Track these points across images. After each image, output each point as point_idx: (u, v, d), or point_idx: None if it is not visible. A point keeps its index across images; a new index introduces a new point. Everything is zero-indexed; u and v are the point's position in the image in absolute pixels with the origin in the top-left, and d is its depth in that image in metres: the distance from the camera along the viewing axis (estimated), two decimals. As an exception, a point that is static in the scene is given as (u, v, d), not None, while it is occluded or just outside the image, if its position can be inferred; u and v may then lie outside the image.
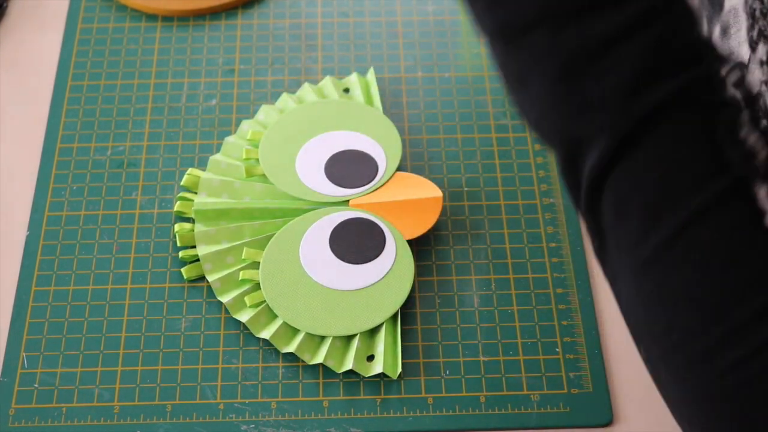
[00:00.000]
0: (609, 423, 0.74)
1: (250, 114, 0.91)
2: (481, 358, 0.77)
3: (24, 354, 0.77)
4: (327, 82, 0.92)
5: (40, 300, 0.80)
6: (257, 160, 0.86)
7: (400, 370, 0.75)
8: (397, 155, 0.86)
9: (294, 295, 0.78)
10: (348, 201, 0.83)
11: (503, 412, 0.74)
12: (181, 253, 0.82)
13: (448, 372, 0.76)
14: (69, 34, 0.96)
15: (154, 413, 0.74)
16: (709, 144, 0.56)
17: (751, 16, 0.54)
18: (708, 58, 0.58)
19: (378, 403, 0.75)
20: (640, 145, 0.56)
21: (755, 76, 0.56)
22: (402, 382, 0.76)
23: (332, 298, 0.78)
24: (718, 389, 0.56)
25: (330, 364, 0.75)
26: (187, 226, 0.83)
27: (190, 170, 0.86)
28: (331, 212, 0.82)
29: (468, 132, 0.89)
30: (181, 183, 0.86)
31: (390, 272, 0.79)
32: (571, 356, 0.77)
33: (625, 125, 0.56)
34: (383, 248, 0.80)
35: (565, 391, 0.75)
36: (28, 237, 0.83)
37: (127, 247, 0.83)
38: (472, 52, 0.94)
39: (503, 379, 0.76)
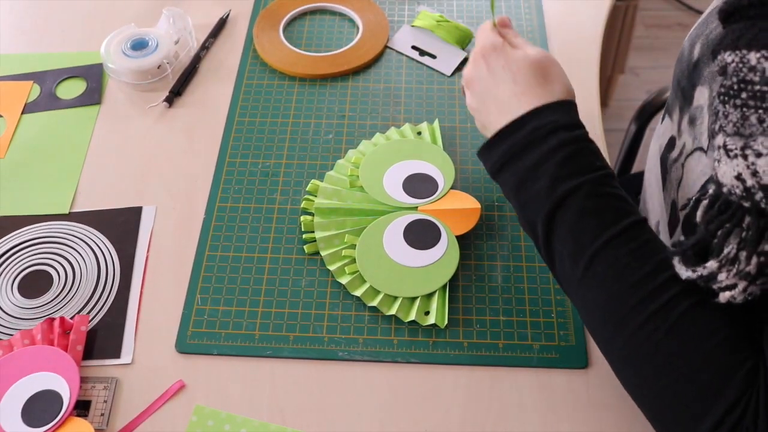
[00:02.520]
0: (585, 366, 0.73)
1: (354, 145, 0.91)
2: (501, 318, 0.76)
3: (198, 296, 0.78)
4: (406, 127, 0.92)
5: (210, 261, 0.81)
6: (358, 176, 0.86)
7: (446, 322, 0.76)
8: (451, 178, 0.85)
9: (378, 267, 0.79)
10: (417, 207, 0.83)
11: (514, 354, 0.74)
12: (304, 236, 0.82)
13: (478, 325, 0.76)
14: (237, 86, 0.98)
15: (281, 341, 0.75)
16: (598, 212, 0.63)
17: (714, 114, 0.56)
18: (602, 167, 0.65)
19: (430, 344, 0.75)
20: (555, 219, 0.64)
21: (712, 159, 0.58)
22: (447, 330, 0.76)
23: (403, 271, 0.78)
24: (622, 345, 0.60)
25: (399, 315, 0.76)
26: (309, 218, 0.83)
27: (312, 181, 0.87)
28: (405, 214, 0.83)
29: (499, 165, 0.89)
30: (306, 189, 0.86)
31: (443, 256, 0.79)
32: (561, 320, 0.76)
33: (547, 209, 0.64)
34: (439, 240, 0.80)
35: (556, 343, 0.75)
36: (204, 219, 0.85)
37: (268, 230, 0.83)
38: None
39: (515, 332, 0.75)
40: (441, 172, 0.86)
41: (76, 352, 0.73)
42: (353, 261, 0.79)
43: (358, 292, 0.77)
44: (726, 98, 0.54)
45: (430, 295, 0.77)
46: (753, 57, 0.51)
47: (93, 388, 0.72)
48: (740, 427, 0.54)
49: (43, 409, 0.69)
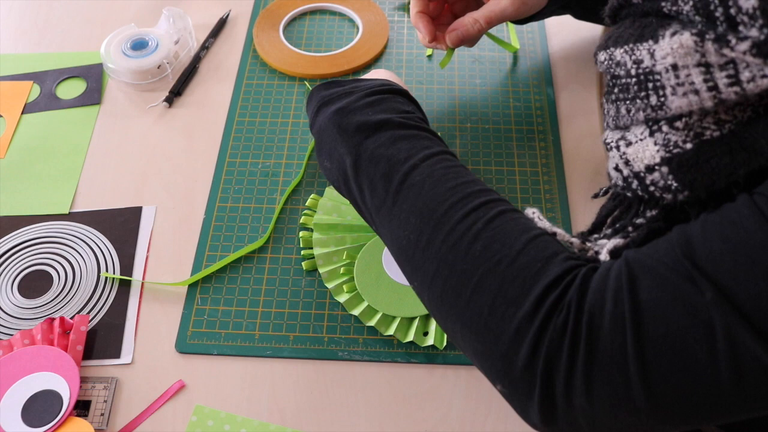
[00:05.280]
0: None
1: (354, 145, 0.91)
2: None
3: (198, 296, 0.78)
4: (406, 127, 0.92)
5: (210, 261, 0.81)
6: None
7: (445, 343, 0.74)
8: (451, 178, 0.85)
9: (376, 286, 0.77)
10: (417, 207, 0.83)
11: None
12: (302, 252, 0.81)
13: (478, 326, 0.76)
14: (237, 86, 0.98)
15: (281, 341, 0.75)
16: (413, 138, 0.65)
17: (602, 112, 0.60)
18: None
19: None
20: (366, 146, 0.64)
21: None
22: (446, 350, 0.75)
23: (402, 291, 0.77)
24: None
25: (398, 335, 0.75)
26: (308, 233, 0.82)
27: (312, 195, 0.84)
28: (405, 215, 0.82)
29: (498, 158, 0.89)
30: (306, 204, 0.85)
31: (443, 257, 0.79)
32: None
33: (360, 137, 0.65)
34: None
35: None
36: (204, 219, 0.85)
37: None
38: (495, 111, 0.94)
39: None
40: (441, 172, 0.86)
41: (76, 352, 0.73)
42: (352, 279, 0.78)
43: (356, 311, 0.76)
44: (606, 96, 0.57)
45: (428, 315, 0.76)
46: (618, 53, 0.54)
47: (93, 388, 0.72)
48: (563, 302, 0.49)
49: (43, 409, 0.69)
